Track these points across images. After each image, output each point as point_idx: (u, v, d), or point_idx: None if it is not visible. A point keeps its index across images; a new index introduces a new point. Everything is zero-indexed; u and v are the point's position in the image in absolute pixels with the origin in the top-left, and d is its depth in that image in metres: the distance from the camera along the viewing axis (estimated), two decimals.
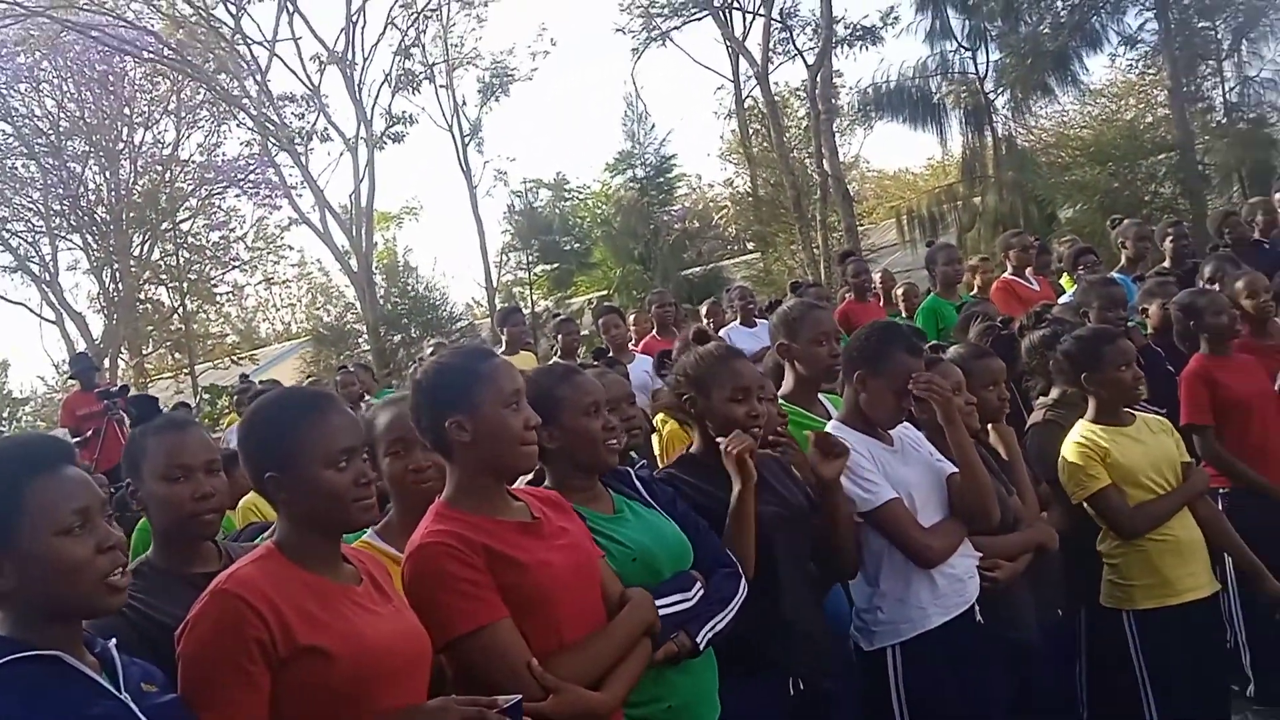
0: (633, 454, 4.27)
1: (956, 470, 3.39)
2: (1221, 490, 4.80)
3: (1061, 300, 6.67)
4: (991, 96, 18.86)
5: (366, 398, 8.59)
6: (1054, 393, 4.50)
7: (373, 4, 24.84)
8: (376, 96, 24.62)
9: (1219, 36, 16.95)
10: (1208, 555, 4.08)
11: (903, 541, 3.23)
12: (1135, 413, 4.19)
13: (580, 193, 29.33)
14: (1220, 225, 7.94)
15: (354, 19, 23.70)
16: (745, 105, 26.11)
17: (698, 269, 23.46)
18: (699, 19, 24.31)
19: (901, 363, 3.43)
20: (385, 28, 24.53)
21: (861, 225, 24.81)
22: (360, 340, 23.78)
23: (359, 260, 23.53)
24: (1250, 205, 8.75)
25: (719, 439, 3.06)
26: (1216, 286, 5.69)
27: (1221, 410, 4.89)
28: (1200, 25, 17.04)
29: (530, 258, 26.80)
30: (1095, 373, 4.10)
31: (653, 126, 24.27)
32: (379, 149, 24.49)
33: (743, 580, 2.87)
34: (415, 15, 24.93)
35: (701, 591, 2.77)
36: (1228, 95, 16.87)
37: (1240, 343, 5.21)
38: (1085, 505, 4.05)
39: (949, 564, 3.27)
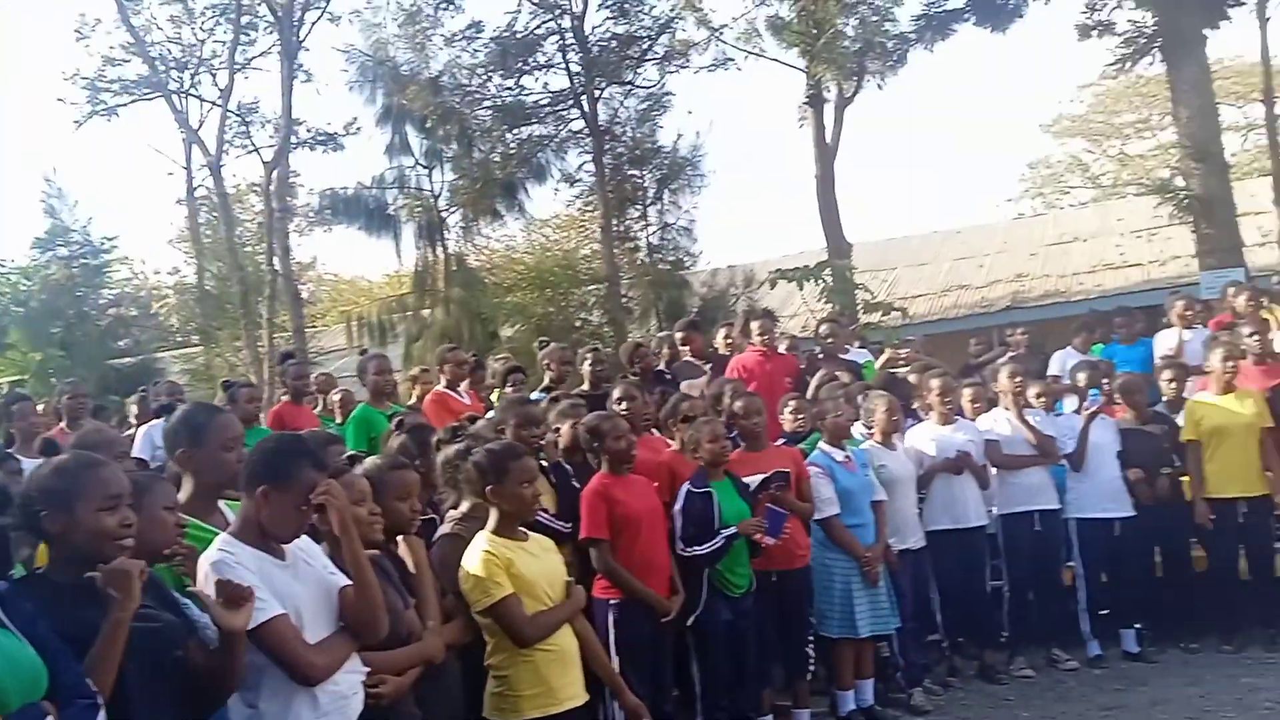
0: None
1: (350, 583, 3.35)
2: (613, 601, 5.19)
3: (488, 415, 6.94)
4: (445, 215, 19.59)
5: None
6: (464, 505, 4.63)
7: None
8: None
9: (646, 184, 18.92)
10: (581, 666, 4.35)
11: (287, 659, 3.10)
12: (526, 531, 4.40)
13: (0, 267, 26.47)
14: (631, 355, 8.74)
15: None
16: (198, 194, 25.12)
17: (129, 359, 21.89)
18: (150, 99, 23.19)
19: (307, 477, 3.32)
20: None
21: (314, 327, 24.58)
22: None
23: None
24: (658, 339, 9.81)
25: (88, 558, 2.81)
26: (625, 406, 6.23)
27: (616, 526, 5.29)
28: (630, 173, 18.96)
29: None
30: (500, 486, 4.26)
31: (76, 204, 22.70)
32: None
33: (102, 712, 2.63)
34: None
35: None
36: (650, 238, 18.78)
37: (739, 455, 6.12)
38: (480, 617, 4.15)
39: (333, 680, 3.19)
